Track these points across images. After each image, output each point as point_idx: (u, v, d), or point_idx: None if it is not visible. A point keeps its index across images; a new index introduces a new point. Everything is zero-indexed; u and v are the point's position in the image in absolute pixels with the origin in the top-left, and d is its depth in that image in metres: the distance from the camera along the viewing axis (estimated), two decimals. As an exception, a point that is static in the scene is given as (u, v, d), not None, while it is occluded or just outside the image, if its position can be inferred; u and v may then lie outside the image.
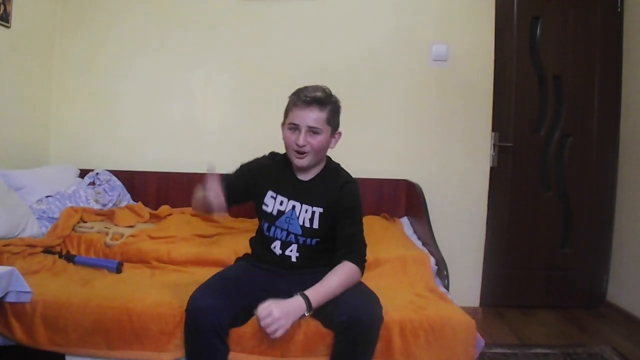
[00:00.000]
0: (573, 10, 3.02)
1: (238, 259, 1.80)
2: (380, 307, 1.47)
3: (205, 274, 1.92)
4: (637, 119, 2.91)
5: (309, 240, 1.62)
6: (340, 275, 1.50)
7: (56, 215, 2.34)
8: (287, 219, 1.62)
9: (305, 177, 1.66)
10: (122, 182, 2.91)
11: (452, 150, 3.01)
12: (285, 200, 1.64)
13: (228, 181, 1.60)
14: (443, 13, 2.99)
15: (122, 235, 2.22)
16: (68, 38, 3.04)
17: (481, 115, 3.00)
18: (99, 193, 2.70)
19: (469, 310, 1.64)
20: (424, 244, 2.37)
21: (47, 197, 2.46)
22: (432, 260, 2.09)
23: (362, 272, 1.57)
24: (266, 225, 1.66)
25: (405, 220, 2.85)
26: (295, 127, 1.56)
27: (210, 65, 3.04)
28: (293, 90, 1.62)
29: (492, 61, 2.97)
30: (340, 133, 1.66)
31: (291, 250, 1.63)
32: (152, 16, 3.03)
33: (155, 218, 2.65)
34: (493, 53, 2.97)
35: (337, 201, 1.60)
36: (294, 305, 1.41)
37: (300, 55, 3.00)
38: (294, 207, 1.63)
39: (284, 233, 1.63)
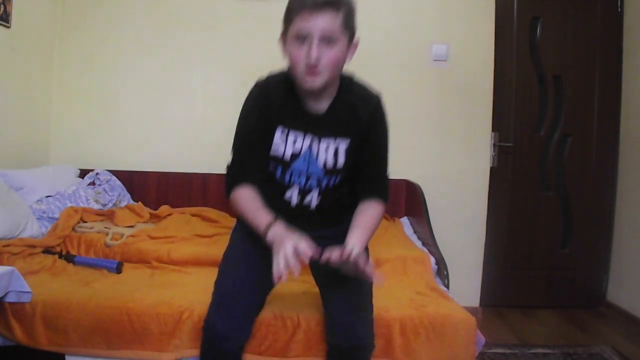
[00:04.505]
0: (573, 10, 3.02)
1: (234, 232, 1.55)
2: (372, 325, 1.40)
3: (205, 274, 1.92)
4: (637, 119, 2.91)
5: (332, 179, 1.37)
6: (375, 219, 1.34)
7: (56, 215, 2.34)
8: (305, 160, 1.34)
9: (319, 105, 1.33)
10: (122, 182, 2.90)
11: (452, 150, 3.01)
12: (299, 137, 1.33)
13: (250, 144, 1.34)
14: (443, 13, 2.99)
15: (122, 235, 2.22)
16: (68, 38, 3.04)
17: (481, 115, 3.00)
18: (99, 193, 2.70)
19: (469, 310, 1.64)
20: (424, 244, 2.37)
21: (47, 197, 2.46)
22: (432, 260, 2.09)
23: None
24: (279, 169, 1.36)
25: (405, 220, 2.85)
26: (303, 39, 1.22)
27: (210, 65, 3.04)
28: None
29: (492, 61, 2.97)
30: (358, 41, 1.31)
31: (311, 198, 1.38)
32: (152, 16, 3.02)
33: (155, 218, 2.65)
34: (493, 53, 2.97)
35: (369, 129, 1.34)
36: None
37: (300, 55, 2.99)
38: (311, 145, 1.33)
39: (303, 177, 1.36)
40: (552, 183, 3.10)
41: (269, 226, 1.23)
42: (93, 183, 2.78)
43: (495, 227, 3.05)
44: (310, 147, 1.33)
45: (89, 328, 1.58)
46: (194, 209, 2.81)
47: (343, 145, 1.34)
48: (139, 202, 2.81)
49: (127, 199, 2.87)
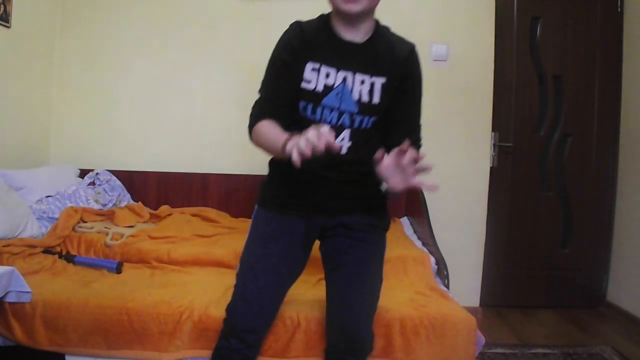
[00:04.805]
0: (573, 10, 3.02)
1: (254, 220, 1.49)
2: (372, 323, 1.40)
3: (205, 274, 1.93)
4: (637, 119, 2.91)
5: (365, 120, 1.32)
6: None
7: (56, 215, 2.34)
8: (338, 95, 1.30)
9: (356, 36, 1.31)
10: (122, 182, 2.91)
11: (452, 150, 3.00)
12: (332, 71, 1.30)
13: (279, 83, 1.33)
14: (443, 13, 2.99)
15: (122, 235, 2.22)
16: (68, 38, 3.04)
17: (481, 115, 3.00)
18: (99, 193, 2.70)
19: (469, 310, 1.64)
20: (424, 244, 2.37)
21: (47, 197, 2.46)
22: (432, 260, 2.09)
23: None
24: (309, 107, 1.32)
25: (405, 220, 2.85)
26: None
27: (210, 65, 3.04)
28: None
29: (492, 61, 2.97)
30: None
31: (342, 139, 1.33)
32: (152, 16, 3.03)
33: (155, 218, 2.65)
34: (493, 53, 2.97)
35: (407, 72, 1.33)
36: None
37: (300, 55, 3.00)
38: (345, 79, 1.30)
39: (335, 114, 1.31)
40: (552, 183, 3.10)
41: (287, 140, 1.15)
42: (93, 183, 2.78)
43: (495, 227, 3.05)
44: (344, 80, 1.30)
45: (89, 328, 1.58)
46: (194, 209, 2.81)
47: (379, 82, 1.31)
48: (139, 202, 2.82)
49: (127, 199, 2.87)
